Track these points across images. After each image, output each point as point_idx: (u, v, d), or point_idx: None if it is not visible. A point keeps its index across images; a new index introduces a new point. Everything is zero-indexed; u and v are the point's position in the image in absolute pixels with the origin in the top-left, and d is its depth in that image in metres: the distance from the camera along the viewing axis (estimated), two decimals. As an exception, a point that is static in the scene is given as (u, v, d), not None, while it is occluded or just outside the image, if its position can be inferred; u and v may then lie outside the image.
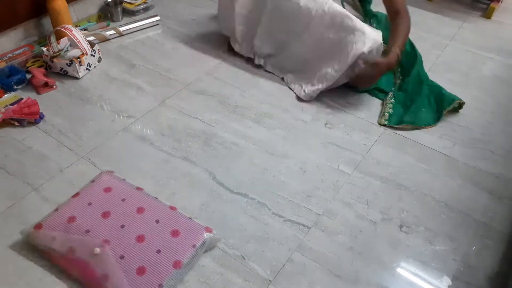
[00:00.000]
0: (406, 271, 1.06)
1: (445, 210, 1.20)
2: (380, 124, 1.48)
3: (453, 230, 1.15)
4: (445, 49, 1.87)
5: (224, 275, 1.03)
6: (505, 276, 1.05)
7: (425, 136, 1.43)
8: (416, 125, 1.46)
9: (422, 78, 1.60)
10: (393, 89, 1.61)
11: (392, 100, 1.55)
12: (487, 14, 2.12)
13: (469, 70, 1.74)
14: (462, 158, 1.36)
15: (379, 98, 1.59)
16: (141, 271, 0.96)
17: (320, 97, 1.57)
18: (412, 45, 1.71)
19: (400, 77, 1.65)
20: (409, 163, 1.34)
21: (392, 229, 1.15)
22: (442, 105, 1.51)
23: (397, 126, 1.46)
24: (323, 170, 1.30)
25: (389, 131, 1.45)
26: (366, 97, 1.59)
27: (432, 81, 1.62)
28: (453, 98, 1.52)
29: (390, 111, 1.51)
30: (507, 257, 1.09)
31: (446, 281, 1.04)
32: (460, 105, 1.52)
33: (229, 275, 1.03)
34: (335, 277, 1.03)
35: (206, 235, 1.05)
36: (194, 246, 1.02)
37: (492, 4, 2.10)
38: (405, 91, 1.58)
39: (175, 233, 1.04)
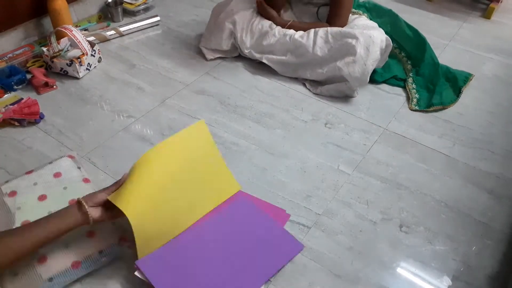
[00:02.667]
0: (406, 271, 1.06)
1: (445, 210, 1.20)
2: (412, 110, 1.54)
3: (453, 230, 1.15)
4: (445, 49, 1.87)
5: (224, 275, 1.03)
6: (505, 276, 1.05)
7: (425, 136, 1.43)
8: (444, 105, 1.55)
9: (435, 60, 1.66)
10: (410, 74, 1.66)
11: (414, 85, 1.62)
12: (487, 14, 2.12)
13: (469, 70, 1.74)
14: (462, 158, 1.36)
15: (400, 86, 1.65)
16: (42, 259, 0.96)
17: (320, 97, 1.57)
18: (415, 31, 1.73)
19: (409, 62, 1.71)
20: (409, 163, 1.34)
21: (392, 229, 1.15)
22: (457, 82, 1.63)
23: (428, 109, 1.53)
24: (323, 170, 1.30)
25: (389, 131, 1.45)
26: (366, 97, 1.59)
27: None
28: (465, 76, 1.67)
29: (417, 96, 1.58)
30: (507, 257, 1.09)
31: (446, 281, 1.04)
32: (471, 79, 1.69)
33: (229, 275, 1.03)
34: (335, 277, 1.03)
35: (114, 245, 1.01)
36: (100, 251, 1.00)
37: (492, 4, 2.10)
38: (423, 75, 1.65)
39: (90, 234, 1.02)
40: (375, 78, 1.63)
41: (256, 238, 1.08)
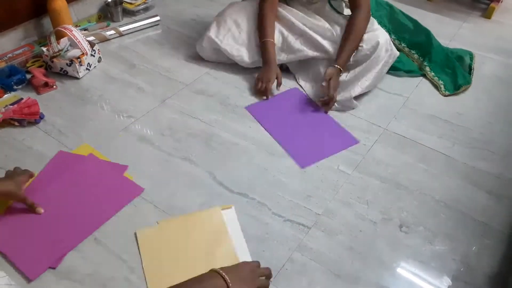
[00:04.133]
0: (406, 271, 1.06)
1: (444, 210, 1.20)
2: (445, 96, 1.60)
3: (452, 230, 1.15)
4: (445, 49, 1.87)
5: (224, 275, 1.03)
6: (505, 276, 1.05)
7: (425, 136, 1.43)
8: (469, 83, 1.64)
9: (442, 46, 1.74)
10: (425, 63, 1.70)
11: (432, 73, 1.67)
12: (487, 14, 2.12)
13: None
14: (462, 158, 1.36)
15: (416, 75, 1.70)
16: None
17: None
18: (414, 21, 1.79)
19: (413, 52, 1.76)
20: (409, 163, 1.34)
21: (392, 229, 1.15)
22: (464, 61, 1.72)
23: (459, 91, 1.61)
24: (323, 170, 1.30)
25: (389, 131, 1.45)
26: (366, 97, 1.58)
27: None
28: (469, 53, 1.77)
29: (441, 82, 1.64)
30: (507, 257, 1.09)
31: (446, 281, 1.04)
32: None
33: (229, 275, 1.03)
34: (335, 277, 1.04)
35: None
36: None
37: (492, 4, 2.10)
38: (436, 62, 1.70)
39: None
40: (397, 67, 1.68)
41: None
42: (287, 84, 1.62)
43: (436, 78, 1.64)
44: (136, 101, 1.54)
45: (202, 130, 1.42)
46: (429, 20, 2.08)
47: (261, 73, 1.56)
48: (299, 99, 1.55)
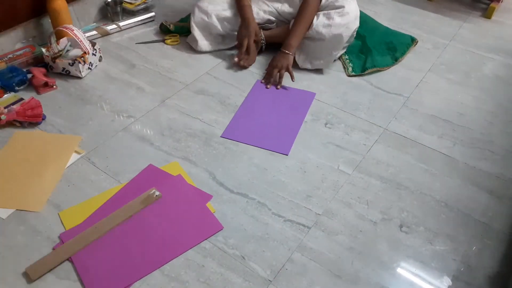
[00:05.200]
0: (406, 271, 1.06)
1: (445, 210, 1.20)
2: (349, 76, 1.68)
3: (453, 230, 1.15)
4: (445, 49, 1.87)
5: (224, 275, 1.03)
6: (505, 276, 1.05)
7: (425, 136, 1.43)
8: (378, 68, 1.70)
9: (361, 33, 1.77)
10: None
11: (347, 56, 1.74)
12: (487, 14, 2.11)
13: (469, 70, 1.74)
14: (462, 158, 1.36)
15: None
16: None
17: (320, 97, 1.57)
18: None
19: None
20: (409, 163, 1.34)
21: (392, 229, 1.15)
22: (396, 53, 1.77)
23: (364, 73, 1.68)
24: (323, 170, 1.30)
25: (389, 131, 1.45)
26: (366, 97, 1.59)
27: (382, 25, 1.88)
28: (407, 43, 1.81)
29: (351, 64, 1.72)
30: (507, 257, 1.09)
31: (446, 281, 1.04)
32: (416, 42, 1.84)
33: (229, 275, 1.03)
34: (335, 277, 1.03)
35: None
36: None
37: (492, 4, 2.10)
38: (352, 46, 1.77)
39: None
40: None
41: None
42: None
43: (347, 61, 1.72)
44: (136, 101, 1.54)
45: (202, 130, 1.42)
46: (430, 20, 2.08)
47: (239, 30, 1.67)
48: (261, 91, 1.60)
